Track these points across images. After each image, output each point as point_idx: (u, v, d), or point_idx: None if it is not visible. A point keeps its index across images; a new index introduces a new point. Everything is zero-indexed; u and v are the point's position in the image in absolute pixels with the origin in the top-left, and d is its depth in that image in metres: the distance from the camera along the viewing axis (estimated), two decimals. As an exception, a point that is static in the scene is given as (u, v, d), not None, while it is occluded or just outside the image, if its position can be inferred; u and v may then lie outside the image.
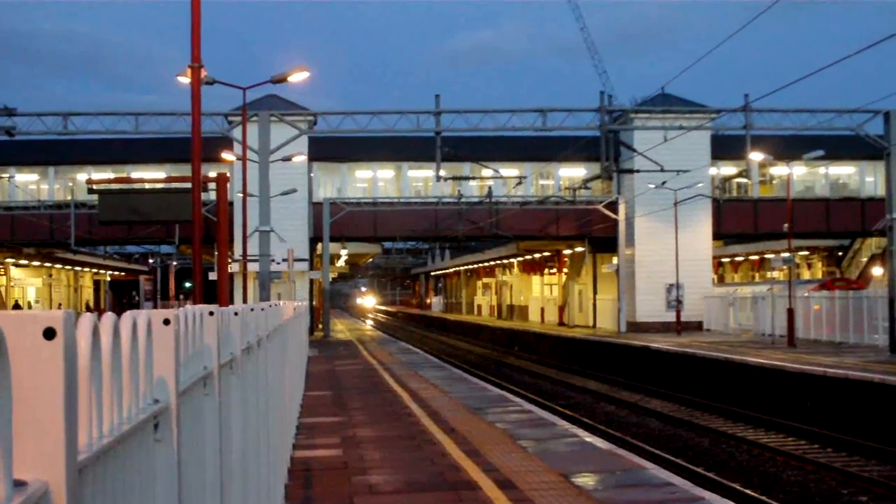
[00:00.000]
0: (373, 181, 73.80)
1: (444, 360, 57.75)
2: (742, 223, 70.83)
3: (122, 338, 2.85)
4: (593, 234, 70.15)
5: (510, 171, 69.54)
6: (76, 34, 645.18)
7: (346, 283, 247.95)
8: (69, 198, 69.70)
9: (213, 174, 34.47)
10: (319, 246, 70.20)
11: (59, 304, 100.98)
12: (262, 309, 9.50)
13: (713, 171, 68.63)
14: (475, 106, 53.54)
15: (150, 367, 3.42)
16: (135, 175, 63.23)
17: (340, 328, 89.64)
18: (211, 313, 5.15)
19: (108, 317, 2.74)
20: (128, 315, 3.08)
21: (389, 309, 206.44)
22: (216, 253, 32.88)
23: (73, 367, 2.13)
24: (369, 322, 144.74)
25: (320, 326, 72.79)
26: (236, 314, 6.57)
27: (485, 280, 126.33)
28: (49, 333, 2.02)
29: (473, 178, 68.16)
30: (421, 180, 75.15)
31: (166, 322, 3.64)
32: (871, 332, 46.47)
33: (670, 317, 64.27)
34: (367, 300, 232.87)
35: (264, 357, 9.58)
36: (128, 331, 2.97)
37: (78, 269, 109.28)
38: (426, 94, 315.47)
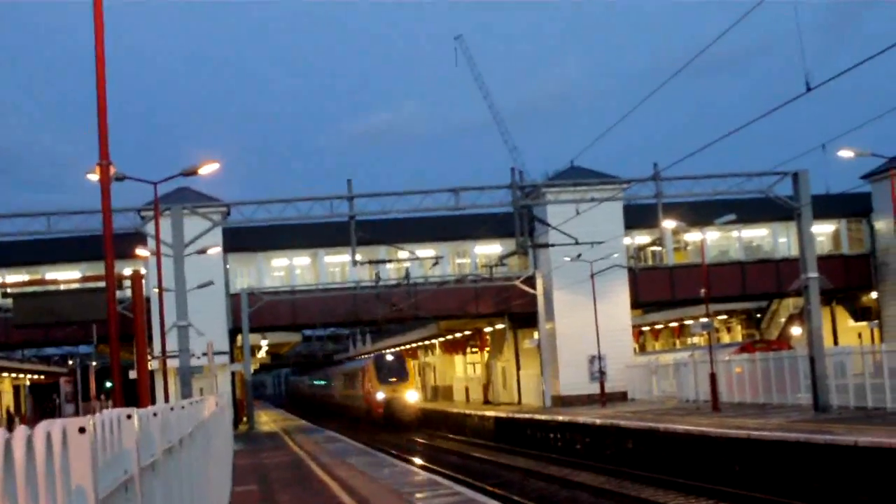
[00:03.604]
0: (289, 269, 73.55)
1: (371, 446, 57.41)
2: (659, 291, 71.33)
3: (35, 451, 2.76)
4: (513, 310, 70.28)
5: (426, 251, 69.56)
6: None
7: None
8: (-18, 302, 68.76)
9: (128, 271, 34.21)
10: (239, 337, 69.71)
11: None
12: (183, 406, 9.36)
13: (627, 240, 69.08)
14: (387, 188, 53.81)
15: (68, 477, 3.32)
16: (49, 276, 62.42)
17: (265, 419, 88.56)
18: (129, 416, 5.04)
19: (21, 430, 2.66)
20: (42, 426, 2.99)
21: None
22: (135, 351, 32.50)
23: (-17, 487, 2.05)
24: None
25: (244, 419, 72.12)
26: (156, 415, 6.46)
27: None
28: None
29: (390, 261, 68.16)
30: (338, 265, 74.96)
31: (82, 430, 3.54)
32: (794, 392, 46.82)
33: (594, 388, 64.39)
34: (410, 394, 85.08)
35: (187, 456, 9.43)
36: (42, 443, 2.88)
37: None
38: (338, 178, 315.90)
